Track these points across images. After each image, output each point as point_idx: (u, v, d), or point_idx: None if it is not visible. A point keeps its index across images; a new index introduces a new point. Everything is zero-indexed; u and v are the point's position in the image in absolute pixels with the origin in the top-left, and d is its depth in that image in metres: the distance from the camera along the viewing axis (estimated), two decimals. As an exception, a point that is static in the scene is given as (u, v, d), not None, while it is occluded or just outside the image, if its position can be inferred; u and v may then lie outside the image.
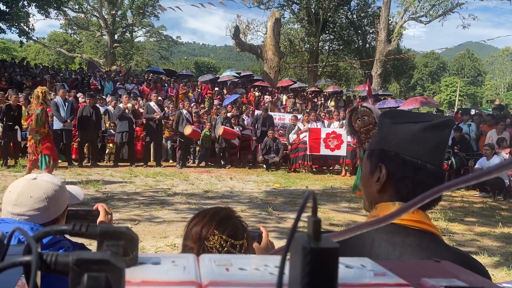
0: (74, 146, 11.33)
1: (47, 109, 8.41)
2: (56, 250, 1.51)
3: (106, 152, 12.04)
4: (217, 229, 1.21)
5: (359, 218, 6.26)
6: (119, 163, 11.36)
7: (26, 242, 0.45)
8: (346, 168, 11.67)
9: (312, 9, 28.25)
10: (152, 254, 0.48)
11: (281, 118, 14.43)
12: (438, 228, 1.06)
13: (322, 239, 0.37)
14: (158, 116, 11.52)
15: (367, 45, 31.31)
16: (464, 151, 10.32)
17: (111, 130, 12.04)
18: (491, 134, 10.25)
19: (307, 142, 11.73)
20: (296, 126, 12.49)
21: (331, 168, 12.40)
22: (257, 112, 14.61)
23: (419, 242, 0.99)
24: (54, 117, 10.60)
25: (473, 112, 19.84)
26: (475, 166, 9.37)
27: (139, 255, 0.46)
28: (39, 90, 8.10)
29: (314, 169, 12.02)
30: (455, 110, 28.95)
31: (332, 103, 20.09)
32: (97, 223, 1.70)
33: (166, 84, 20.45)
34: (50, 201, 1.55)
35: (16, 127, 10.20)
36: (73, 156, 11.29)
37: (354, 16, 31.29)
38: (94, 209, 1.76)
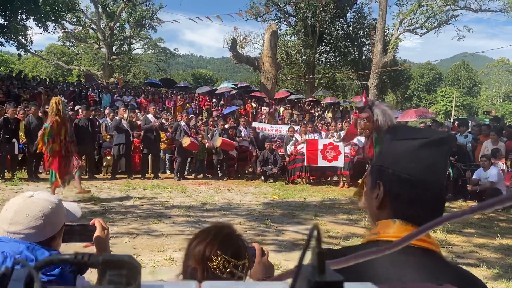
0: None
1: (65, 122, 7.74)
2: (53, 269, 1.49)
3: (104, 164, 12.01)
4: (220, 249, 1.20)
5: (358, 230, 6.24)
6: (116, 176, 11.33)
7: (26, 268, 0.45)
8: (344, 179, 11.66)
9: (309, 22, 28.50)
10: (154, 281, 0.48)
11: (278, 129, 14.46)
12: (439, 245, 1.05)
13: (327, 272, 0.37)
14: (156, 123, 11.57)
15: (363, 57, 31.54)
16: (461, 161, 10.34)
17: (106, 142, 12.00)
18: (486, 144, 10.27)
19: (305, 154, 11.73)
20: (294, 138, 12.51)
21: (329, 179, 12.39)
22: (254, 124, 14.64)
23: (420, 261, 0.99)
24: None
25: (470, 122, 19.97)
26: (473, 177, 9.38)
27: (142, 282, 0.45)
28: (53, 101, 7.75)
29: (312, 181, 12.01)
30: (452, 120, 29.09)
31: (329, 114, 20.16)
32: (94, 238, 1.69)
33: (164, 96, 20.50)
34: (47, 219, 1.54)
35: (14, 140, 10.17)
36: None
37: (350, 28, 31.56)
38: (90, 224, 1.75)
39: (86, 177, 11.14)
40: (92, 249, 1.73)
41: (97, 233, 1.71)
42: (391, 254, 1.04)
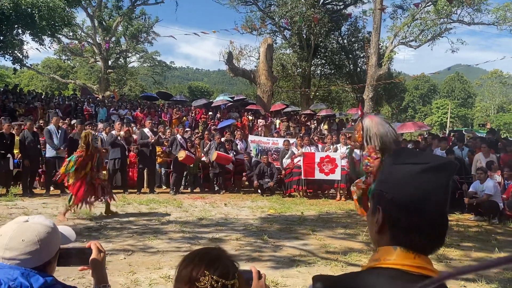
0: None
1: (93, 155, 7.67)
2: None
3: (99, 179, 11.92)
4: (208, 269, 1.20)
5: (356, 245, 6.20)
6: (112, 190, 11.23)
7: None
8: (341, 192, 11.64)
9: (304, 35, 28.74)
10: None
11: (274, 142, 14.45)
12: (439, 272, 1.04)
13: None
14: (153, 140, 11.51)
15: (358, 69, 31.77)
16: (458, 174, 10.35)
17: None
18: (478, 157, 10.29)
19: (302, 167, 11.72)
20: (290, 151, 12.50)
21: (326, 192, 12.36)
22: (250, 137, 14.64)
23: None
24: (47, 144, 10.56)
25: (465, 134, 20.06)
26: (469, 190, 9.38)
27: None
28: (83, 134, 7.78)
29: (309, 194, 11.98)
30: (447, 131, 29.26)
31: (325, 127, 20.21)
32: (90, 261, 1.67)
33: (160, 109, 20.50)
34: (43, 244, 1.51)
35: (9, 155, 10.10)
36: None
37: (345, 41, 31.83)
38: (86, 247, 1.72)
39: (82, 192, 11.07)
40: (88, 271, 1.71)
41: (93, 255, 1.69)
42: (392, 281, 1.03)
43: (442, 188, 1.05)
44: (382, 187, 1.11)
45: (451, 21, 25.87)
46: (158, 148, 12.24)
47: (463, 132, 21.43)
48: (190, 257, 1.26)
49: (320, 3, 28.63)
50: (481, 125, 25.71)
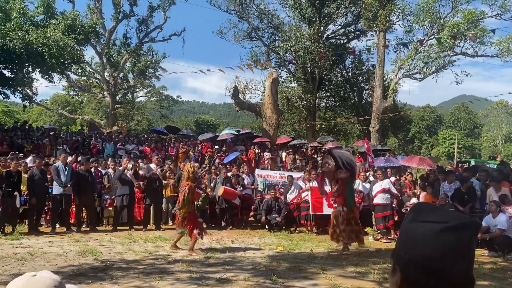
0: (73, 210, 11.16)
1: (194, 187, 8.34)
2: None
3: (105, 215, 11.85)
4: None
5: (368, 285, 6.01)
6: (118, 227, 11.15)
7: None
8: (350, 227, 11.41)
9: (308, 68, 29.13)
10: None
11: (282, 176, 14.34)
12: None
13: None
14: (157, 171, 11.58)
15: (363, 101, 31.97)
16: (470, 202, 10.16)
17: (106, 195, 11.83)
18: (490, 192, 10.11)
19: (310, 201, 11.58)
20: (292, 186, 12.37)
21: (335, 227, 12.13)
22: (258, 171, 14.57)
23: None
24: (54, 182, 10.56)
25: (473, 163, 19.85)
26: (482, 225, 9.16)
27: None
28: (188, 166, 8.34)
29: (317, 229, 11.75)
30: (455, 162, 29.03)
31: (332, 160, 20.08)
32: None
33: (166, 144, 20.59)
34: (50, 297, 1.47)
35: (15, 193, 10.08)
36: (72, 221, 11.10)
37: (349, 73, 32.22)
38: None
39: (87, 229, 10.98)
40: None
41: None
42: None
43: (464, 249, 1.00)
44: (400, 246, 1.07)
45: (455, 53, 26.15)
46: (169, 179, 12.17)
47: (472, 163, 21.22)
48: None
49: (324, 38, 29.16)
50: (491, 157, 25.49)
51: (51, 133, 20.48)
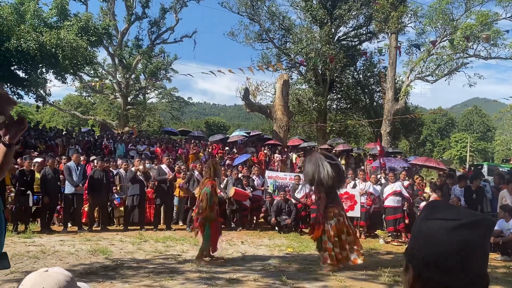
0: (85, 210, 11.27)
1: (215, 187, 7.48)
2: None
3: (115, 215, 11.94)
4: None
5: (378, 287, 5.97)
6: (128, 227, 11.22)
7: None
8: (361, 230, 11.36)
9: (319, 70, 29.05)
10: None
11: (292, 178, 14.30)
12: None
13: None
14: (170, 177, 11.53)
15: (375, 103, 31.77)
16: (481, 210, 10.03)
17: (115, 194, 11.89)
18: (503, 194, 9.98)
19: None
20: (300, 185, 12.33)
21: (345, 230, 12.06)
22: (268, 173, 14.56)
23: None
24: (66, 181, 10.68)
25: (485, 168, 19.61)
26: (495, 228, 9.05)
27: None
28: (210, 162, 7.55)
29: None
30: (467, 166, 28.69)
31: (343, 162, 20.01)
32: None
33: (177, 145, 20.68)
34: (62, 291, 1.50)
35: (28, 192, 10.22)
36: (83, 220, 11.21)
37: (361, 76, 32.06)
38: None
39: (99, 229, 11.08)
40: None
41: None
42: None
43: (477, 246, 0.99)
44: (413, 244, 1.06)
45: (468, 55, 25.86)
46: (178, 180, 12.18)
47: (485, 167, 20.95)
48: None
49: (335, 40, 29.07)
50: (504, 161, 25.12)
51: (64, 133, 20.73)
